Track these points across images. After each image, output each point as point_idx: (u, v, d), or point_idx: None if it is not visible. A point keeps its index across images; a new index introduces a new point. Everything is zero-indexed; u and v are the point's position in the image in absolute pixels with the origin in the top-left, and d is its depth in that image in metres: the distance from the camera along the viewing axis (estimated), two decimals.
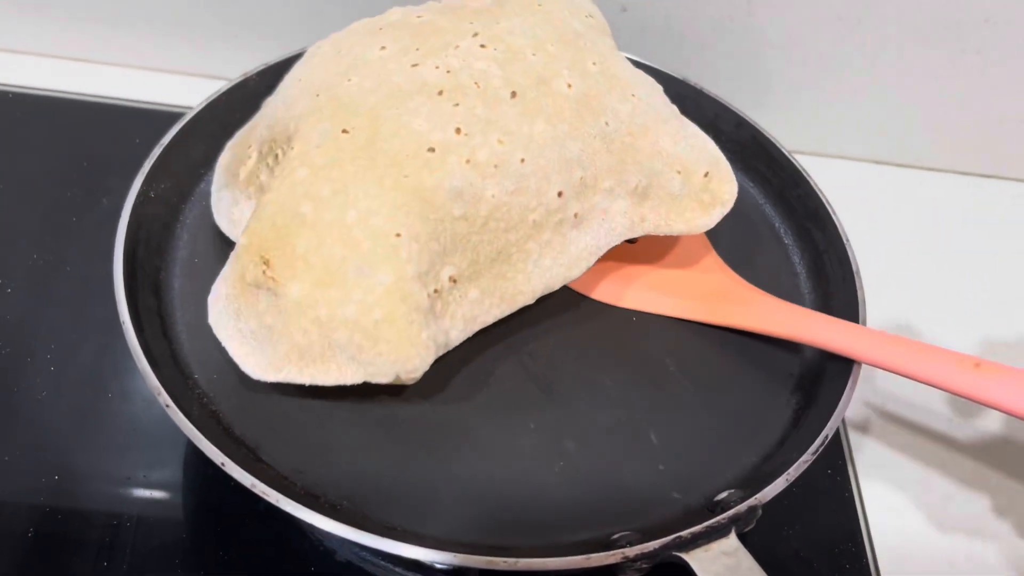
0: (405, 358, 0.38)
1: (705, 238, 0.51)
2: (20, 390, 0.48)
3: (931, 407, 0.55)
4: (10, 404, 0.48)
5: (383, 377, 0.38)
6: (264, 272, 0.38)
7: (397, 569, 0.44)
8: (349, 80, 0.42)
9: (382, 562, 0.44)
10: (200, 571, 0.43)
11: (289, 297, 0.38)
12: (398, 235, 0.38)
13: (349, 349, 0.38)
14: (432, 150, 0.39)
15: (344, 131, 0.40)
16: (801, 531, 0.48)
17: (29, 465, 0.45)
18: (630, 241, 0.46)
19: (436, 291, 0.40)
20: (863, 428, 0.54)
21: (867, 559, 0.48)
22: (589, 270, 0.44)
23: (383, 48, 0.44)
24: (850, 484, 0.51)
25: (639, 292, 0.48)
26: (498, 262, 0.41)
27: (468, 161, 0.40)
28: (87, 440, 0.47)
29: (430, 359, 0.39)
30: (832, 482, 0.51)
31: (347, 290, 0.38)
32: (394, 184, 0.39)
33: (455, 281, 0.40)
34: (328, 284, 0.38)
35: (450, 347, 0.41)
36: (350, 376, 0.39)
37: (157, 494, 0.46)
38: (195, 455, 0.47)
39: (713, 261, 0.50)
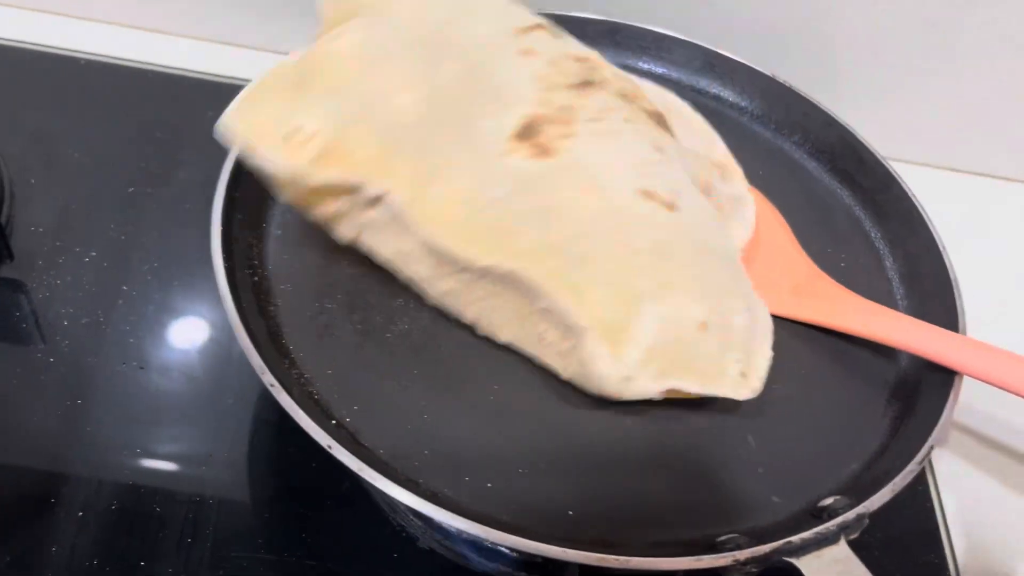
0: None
1: (794, 238, 0.50)
2: (101, 361, 0.48)
3: (1012, 418, 0.54)
4: (92, 374, 0.47)
5: None
6: None
7: (479, 559, 0.44)
8: None
9: (464, 551, 0.44)
10: (283, 552, 0.43)
11: None
12: None
13: None
14: None
15: None
16: (883, 540, 0.47)
17: (112, 437, 0.45)
18: None
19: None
20: (942, 439, 0.53)
21: (949, 572, 0.47)
22: None
23: None
24: (931, 496, 0.50)
25: None
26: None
27: None
28: (169, 416, 0.47)
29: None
30: (914, 492, 0.50)
31: None
32: None
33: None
34: None
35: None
36: None
37: (240, 473, 0.45)
38: (277, 434, 0.47)
39: (804, 260, 0.49)
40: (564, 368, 0.40)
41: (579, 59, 0.45)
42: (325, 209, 0.41)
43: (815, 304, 0.46)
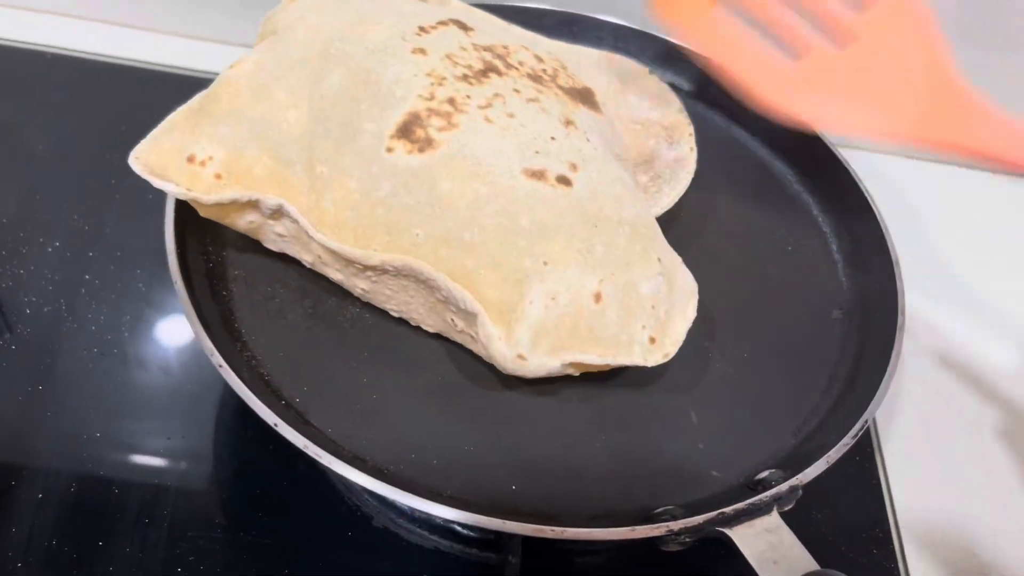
0: None
1: (938, 35, 0.44)
2: (62, 349, 0.49)
3: (958, 397, 0.56)
4: (52, 362, 0.48)
5: None
6: None
7: (432, 536, 0.45)
8: None
9: (418, 529, 0.45)
10: (239, 532, 0.44)
11: None
12: None
13: None
14: None
15: None
16: (830, 515, 0.48)
17: (71, 423, 0.46)
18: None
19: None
20: (891, 416, 0.54)
21: (893, 544, 0.48)
22: (784, 76, 0.43)
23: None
24: (877, 470, 0.51)
25: (837, 108, 0.43)
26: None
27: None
28: (128, 401, 0.48)
29: None
30: (860, 468, 0.51)
31: None
32: None
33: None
34: None
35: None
36: None
37: (197, 456, 0.46)
38: (234, 418, 0.48)
39: (942, 65, 0.43)
40: (480, 352, 0.42)
41: (487, 48, 0.46)
42: (240, 223, 0.43)
43: (946, 126, 0.41)
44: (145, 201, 0.56)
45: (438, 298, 0.41)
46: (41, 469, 0.44)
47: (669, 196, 0.48)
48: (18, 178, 0.57)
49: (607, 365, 0.40)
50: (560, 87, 0.46)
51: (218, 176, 0.42)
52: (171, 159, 0.42)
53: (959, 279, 0.64)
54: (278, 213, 0.42)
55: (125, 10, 0.68)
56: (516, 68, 0.45)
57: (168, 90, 0.64)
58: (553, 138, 0.43)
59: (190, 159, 0.42)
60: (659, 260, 0.42)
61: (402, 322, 0.44)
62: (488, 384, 0.42)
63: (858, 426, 0.40)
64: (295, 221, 0.41)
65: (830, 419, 0.43)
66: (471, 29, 0.47)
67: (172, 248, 0.42)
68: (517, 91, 0.44)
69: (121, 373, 0.48)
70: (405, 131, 0.41)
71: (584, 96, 0.47)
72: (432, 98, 0.42)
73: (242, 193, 0.41)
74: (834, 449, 0.39)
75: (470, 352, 0.43)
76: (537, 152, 0.42)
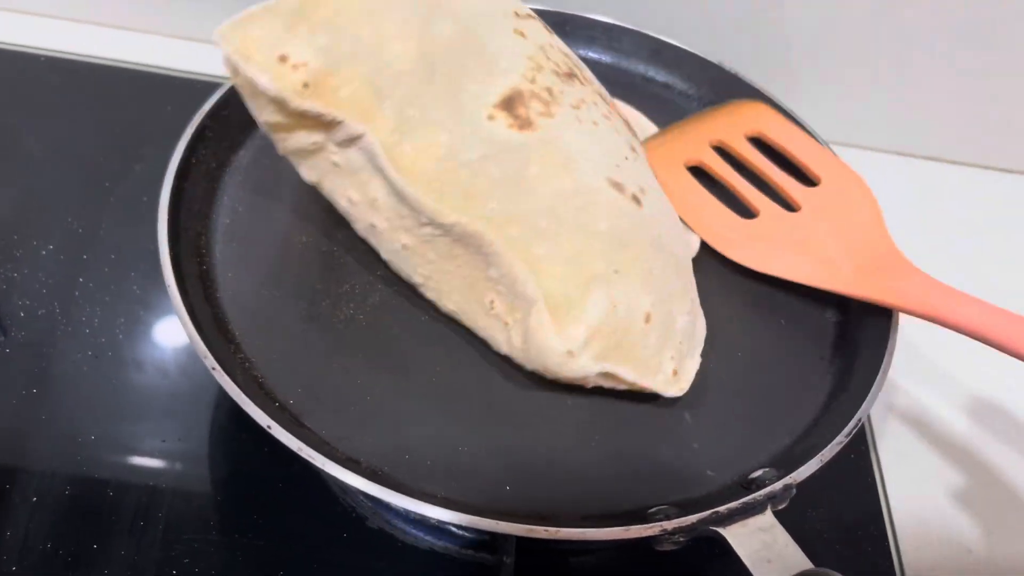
0: None
1: (880, 215, 0.49)
2: (57, 352, 0.49)
3: (953, 397, 0.56)
4: (47, 365, 0.48)
5: None
6: None
7: (427, 537, 0.45)
8: None
9: (412, 530, 0.45)
10: (235, 534, 0.44)
11: None
12: None
13: None
14: None
15: None
16: (825, 513, 0.49)
17: (66, 426, 0.46)
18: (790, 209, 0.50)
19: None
20: (886, 414, 0.55)
21: (888, 542, 0.49)
22: (738, 231, 0.49)
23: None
24: (872, 469, 0.52)
25: (792, 260, 0.48)
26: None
27: None
28: (123, 404, 0.48)
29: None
30: (855, 466, 0.51)
31: None
32: None
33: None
34: None
35: None
36: None
37: (192, 458, 0.46)
38: (229, 420, 0.48)
39: (884, 239, 0.48)
40: (506, 340, 0.41)
41: (566, 54, 0.47)
42: (298, 141, 0.41)
43: (876, 283, 0.46)
44: (140, 204, 0.56)
45: (489, 275, 0.41)
46: (36, 472, 0.44)
47: (694, 242, 0.49)
48: (13, 181, 0.57)
49: (635, 385, 0.41)
50: (618, 114, 0.47)
51: (305, 85, 0.39)
52: (260, 51, 0.39)
53: (954, 276, 0.64)
54: (350, 141, 0.40)
55: (120, 12, 0.68)
56: (590, 83, 0.46)
57: (165, 93, 0.65)
58: (626, 158, 0.43)
59: (282, 58, 0.39)
60: (692, 300, 0.44)
61: (397, 324, 0.43)
62: (482, 386, 0.42)
63: (851, 425, 0.40)
64: (372, 156, 0.40)
65: (824, 418, 0.43)
66: (550, 31, 0.48)
67: (165, 250, 0.42)
68: (596, 104, 0.44)
69: (116, 376, 0.48)
70: (509, 104, 0.41)
71: (629, 127, 0.48)
72: (533, 81, 0.42)
73: (330, 110, 0.39)
74: (827, 448, 0.39)
75: (473, 347, 0.43)
76: (618, 166, 0.42)
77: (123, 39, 0.68)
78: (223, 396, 0.48)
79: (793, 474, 0.38)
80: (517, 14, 0.45)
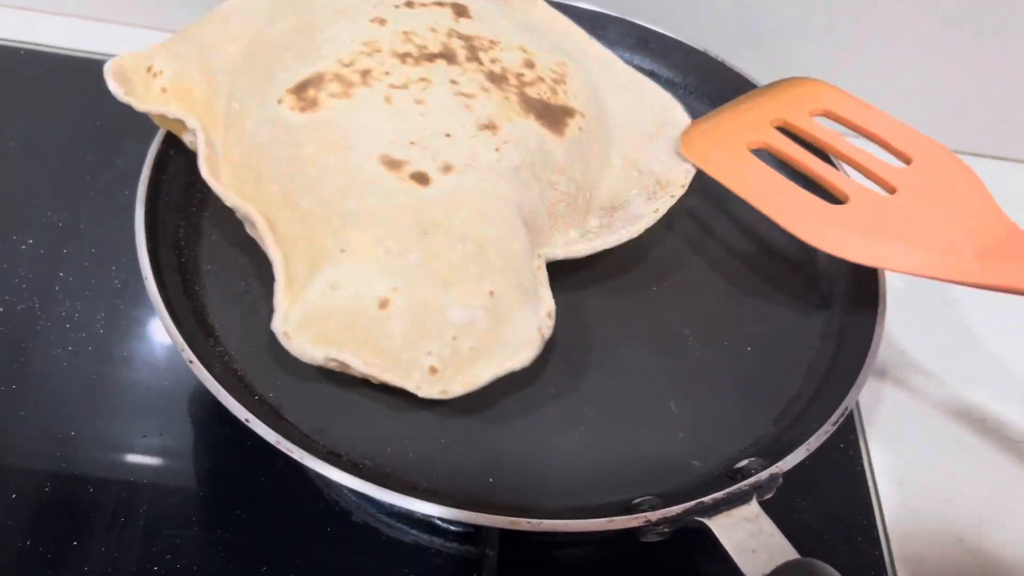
0: None
1: (989, 195, 0.45)
2: (36, 347, 0.48)
3: (943, 385, 0.56)
4: (26, 361, 0.48)
5: None
6: None
7: (412, 531, 0.44)
8: None
9: (397, 523, 0.44)
10: (216, 529, 0.43)
11: None
12: None
13: None
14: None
15: None
16: (814, 503, 0.48)
17: (45, 422, 0.45)
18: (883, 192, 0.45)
19: None
20: (875, 403, 0.54)
21: (878, 531, 0.48)
22: (831, 219, 0.43)
23: None
24: (862, 458, 0.51)
25: (899, 249, 0.43)
26: None
27: None
28: (103, 399, 0.47)
29: None
30: (844, 456, 0.51)
31: None
32: None
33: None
34: None
35: None
36: None
37: (173, 453, 0.46)
38: (211, 415, 0.47)
39: (1000, 219, 0.44)
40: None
41: (465, 37, 0.46)
42: (185, 138, 0.45)
43: (1008, 269, 0.42)
44: (120, 197, 0.56)
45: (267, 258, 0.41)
46: (15, 468, 0.44)
47: (580, 248, 0.44)
48: None
49: (375, 378, 0.38)
50: (524, 95, 0.45)
51: (163, 90, 0.44)
52: (137, 67, 0.45)
53: None
54: (196, 138, 0.43)
55: (98, 4, 0.67)
56: (480, 63, 0.45)
57: None
58: (449, 135, 0.41)
59: (148, 69, 0.45)
60: (491, 293, 0.39)
61: None
62: None
63: (838, 413, 0.40)
64: (204, 150, 0.42)
65: (811, 407, 0.43)
66: (468, 17, 0.47)
67: (142, 242, 0.41)
68: (454, 82, 0.43)
69: (96, 371, 0.48)
70: (301, 88, 0.42)
71: (549, 112, 0.45)
72: (350, 65, 0.42)
73: (167, 109, 0.43)
74: (814, 436, 0.39)
75: None
76: (412, 143, 0.41)
77: (103, 31, 0.68)
78: (204, 390, 0.47)
79: (779, 463, 0.38)
80: (408, 3, 0.46)
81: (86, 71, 0.64)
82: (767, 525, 0.36)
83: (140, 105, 0.44)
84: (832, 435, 0.39)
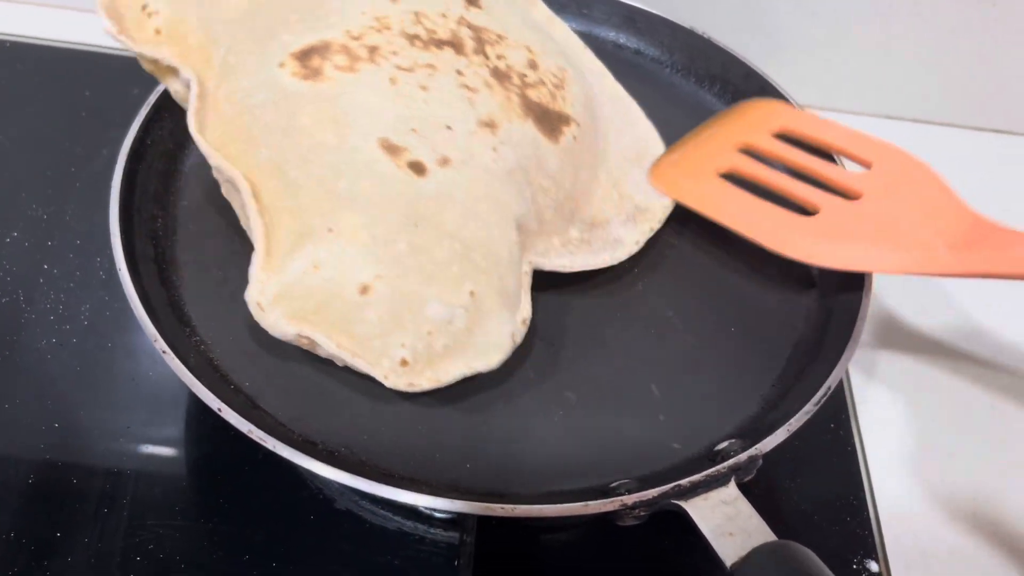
0: None
1: (949, 189, 0.46)
2: (20, 340, 0.48)
3: (934, 364, 0.55)
4: (10, 353, 0.48)
5: None
6: None
7: (396, 517, 0.44)
8: None
9: (381, 510, 0.44)
10: (200, 519, 0.43)
11: None
12: None
13: None
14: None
15: None
16: (803, 484, 0.48)
17: (29, 414, 0.45)
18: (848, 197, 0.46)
19: None
20: (866, 383, 0.53)
21: (868, 512, 0.48)
22: (804, 231, 0.45)
23: None
24: (852, 438, 0.51)
25: (874, 251, 0.44)
26: None
27: None
28: (87, 390, 0.47)
29: None
30: (835, 436, 0.50)
31: None
32: None
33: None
34: None
35: None
36: None
37: (157, 444, 0.46)
38: (195, 406, 0.47)
39: (962, 210, 0.45)
40: None
41: (474, 27, 0.45)
42: (174, 88, 0.44)
43: (981, 256, 0.43)
44: (105, 189, 0.55)
45: (245, 224, 0.41)
46: None
47: (566, 263, 0.44)
48: None
49: (344, 361, 0.38)
50: (525, 97, 0.44)
51: (158, 31, 0.42)
52: (131, 3, 0.42)
53: None
54: (188, 87, 0.42)
55: None
56: (486, 57, 0.44)
57: (128, 76, 0.62)
58: (449, 127, 0.41)
59: (144, 7, 0.42)
60: (471, 293, 0.39)
61: None
62: None
63: (820, 393, 0.39)
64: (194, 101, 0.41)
65: (795, 386, 0.42)
66: (478, 7, 0.46)
67: (116, 232, 0.41)
68: (460, 73, 0.42)
69: (81, 362, 0.48)
70: (305, 55, 0.41)
71: (547, 117, 0.44)
72: (358, 38, 0.41)
73: (160, 54, 0.42)
74: (795, 417, 0.38)
75: None
76: (414, 130, 0.40)
77: (86, 22, 0.67)
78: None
79: (759, 444, 0.37)
80: None
81: (71, 62, 0.64)
82: (745, 507, 0.35)
83: (134, 46, 0.41)
84: (823, 417, 0.39)
